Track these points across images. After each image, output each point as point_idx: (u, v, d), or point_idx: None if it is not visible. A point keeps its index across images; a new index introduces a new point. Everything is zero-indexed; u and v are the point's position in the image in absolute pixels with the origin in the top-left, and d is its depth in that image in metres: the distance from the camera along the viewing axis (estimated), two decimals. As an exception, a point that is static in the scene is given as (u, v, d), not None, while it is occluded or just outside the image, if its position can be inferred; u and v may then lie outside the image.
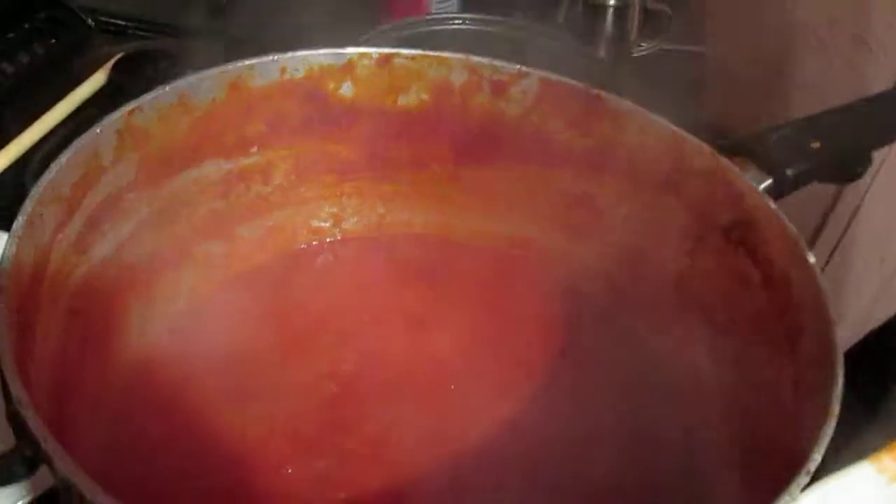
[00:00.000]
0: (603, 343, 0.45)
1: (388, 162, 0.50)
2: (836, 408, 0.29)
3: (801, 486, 0.26)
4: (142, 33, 0.73)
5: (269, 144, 0.47)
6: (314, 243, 0.51)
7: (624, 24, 0.69)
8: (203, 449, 0.38)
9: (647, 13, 0.70)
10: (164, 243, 0.43)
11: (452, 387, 0.42)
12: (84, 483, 0.23)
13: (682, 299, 0.45)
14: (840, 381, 0.30)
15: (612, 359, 0.43)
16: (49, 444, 0.23)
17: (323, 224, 0.52)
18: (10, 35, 0.67)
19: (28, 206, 0.32)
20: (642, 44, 0.71)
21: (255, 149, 0.46)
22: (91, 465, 0.24)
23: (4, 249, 0.30)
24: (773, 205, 0.39)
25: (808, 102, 0.51)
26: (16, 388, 0.25)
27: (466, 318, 0.47)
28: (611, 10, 0.69)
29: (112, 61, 0.64)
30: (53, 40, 0.69)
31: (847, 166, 0.44)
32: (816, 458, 0.27)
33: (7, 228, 0.30)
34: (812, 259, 0.36)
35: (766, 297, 0.39)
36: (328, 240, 0.51)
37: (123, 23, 0.74)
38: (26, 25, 0.69)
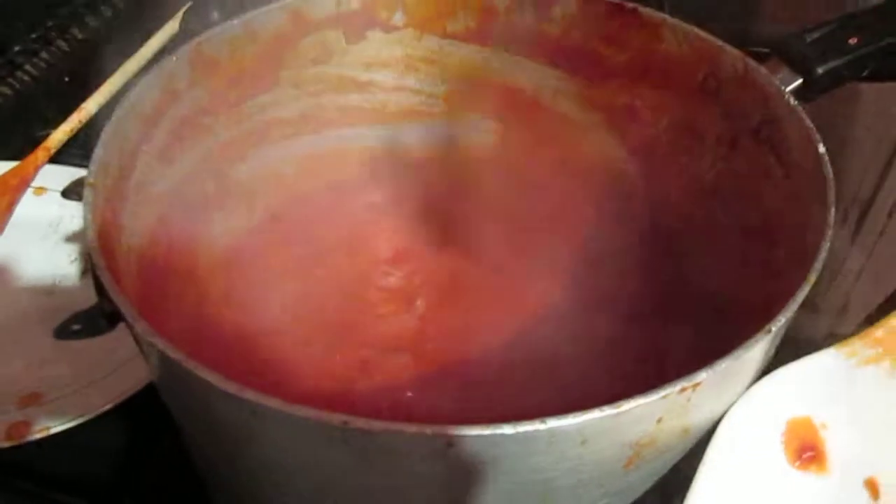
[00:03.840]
0: (632, 243, 0.47)
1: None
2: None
3: (760, 340, 0.28)
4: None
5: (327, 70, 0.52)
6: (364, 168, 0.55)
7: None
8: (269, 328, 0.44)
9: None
10: (238, 161, 0.49)
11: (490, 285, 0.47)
12: (145, 329, 0.28)
13: (714, 203, 0.46)
14: (815, 271, 0.31)
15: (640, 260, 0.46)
16: (117, 298, 0.29)
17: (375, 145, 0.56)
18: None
19: (113, 119, 0.38)
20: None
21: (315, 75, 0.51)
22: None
23: (94, 152, 0.36)
24: (793, 102, 0.40)
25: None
26: (95, 254, 0.31)
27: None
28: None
29: (182, 11, 0.69)
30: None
31: (889, 62, 0.44)
32: (781, 320, 0.29)
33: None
34: (822, 149, 0.37)
35: (786, 190, 0.40)
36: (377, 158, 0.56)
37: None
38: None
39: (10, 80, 0.67)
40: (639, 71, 0.49)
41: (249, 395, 0.26)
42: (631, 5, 0.48)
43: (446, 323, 0.44)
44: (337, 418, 0.25)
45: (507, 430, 0.25)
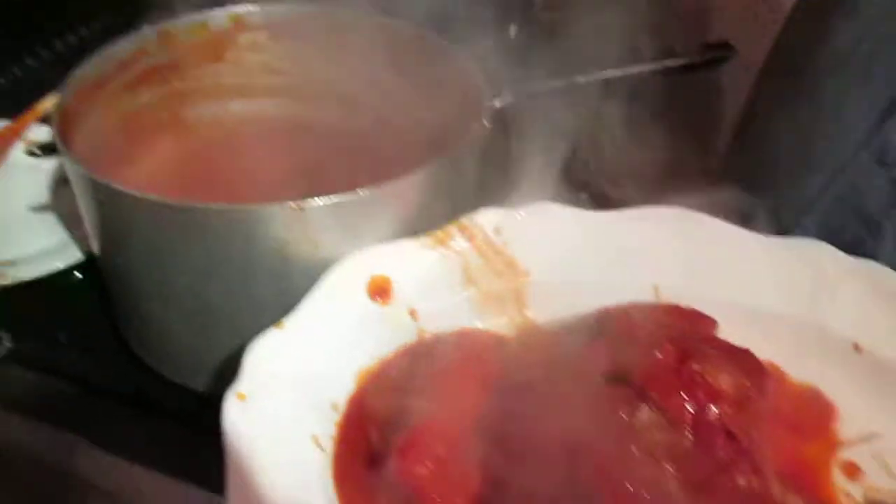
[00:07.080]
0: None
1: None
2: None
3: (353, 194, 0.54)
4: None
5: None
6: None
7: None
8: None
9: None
10: (188, 105, 0.79)
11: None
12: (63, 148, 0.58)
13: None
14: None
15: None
16: (57, 138, 0.58)
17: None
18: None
19: (100, 54, 0.68)
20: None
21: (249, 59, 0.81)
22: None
23: (77, 69, 0.66)
24: (489, 103, 0.66)
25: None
26: (54, 117, 0.60)
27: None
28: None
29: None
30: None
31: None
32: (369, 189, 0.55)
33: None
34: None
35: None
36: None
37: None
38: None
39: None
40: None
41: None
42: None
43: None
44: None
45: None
